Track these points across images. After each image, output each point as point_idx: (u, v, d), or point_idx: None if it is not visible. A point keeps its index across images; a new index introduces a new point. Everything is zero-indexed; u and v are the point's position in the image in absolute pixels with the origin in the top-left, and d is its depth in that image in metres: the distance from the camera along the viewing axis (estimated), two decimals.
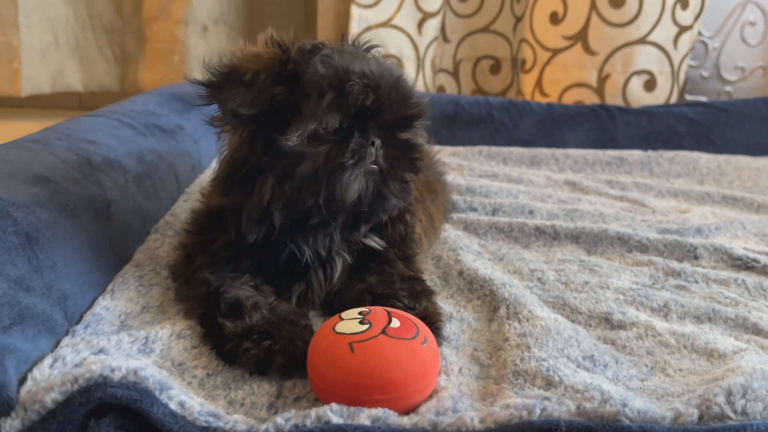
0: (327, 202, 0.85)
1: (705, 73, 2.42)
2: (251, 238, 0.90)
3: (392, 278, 0.93)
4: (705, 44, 2.37)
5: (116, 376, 0.64)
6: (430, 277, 1.08)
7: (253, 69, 0.85)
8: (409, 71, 2.25)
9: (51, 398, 0.62)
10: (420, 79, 2.30)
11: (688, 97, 2.42)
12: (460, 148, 1.93)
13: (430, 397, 0.73)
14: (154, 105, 1.50)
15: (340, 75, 0.84)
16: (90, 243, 0.91)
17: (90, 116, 1.29)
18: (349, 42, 0.96)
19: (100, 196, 1.00)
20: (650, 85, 2.21)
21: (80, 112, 2.52)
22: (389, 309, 0.78)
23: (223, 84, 0.86)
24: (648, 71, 2.19)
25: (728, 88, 2.42)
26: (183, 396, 0.66)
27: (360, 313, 0.76)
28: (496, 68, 2.49)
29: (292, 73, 0.85)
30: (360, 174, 0.85)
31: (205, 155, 1.55)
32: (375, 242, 0.96)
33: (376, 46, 0.99)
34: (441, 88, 2.49)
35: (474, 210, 1.42)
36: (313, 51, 0.88)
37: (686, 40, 2.18)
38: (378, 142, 0.87)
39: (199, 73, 2.26)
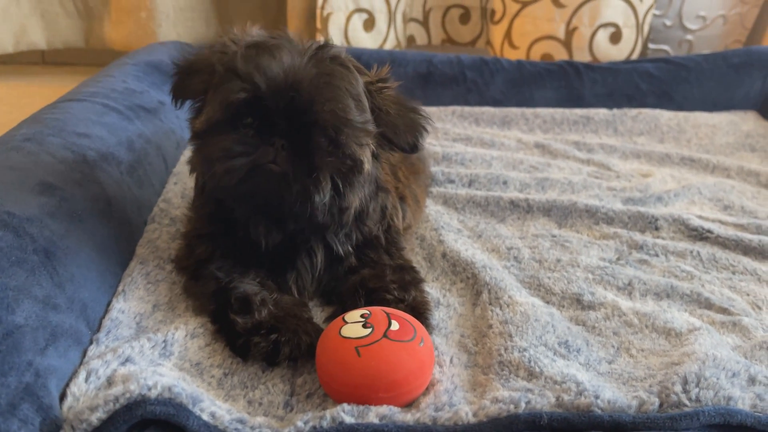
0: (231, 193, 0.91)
1: (668, 22, 2.47)
2: (207, 210, 0.99)
3: (384, 271, 1.00)
4: None
5: (153, 394, 0.71)
6: (416, 258, 1.17)
7: (194, 64, 0.95)
8: (381, 26, 2.24)
9: (96, 417, 0.69)
10: (392, 33, 2.30)
11: (651, 46, 2.48)
12: (433, 109, 1.97)
13: (427, 390, 0.83)
14: (133, 80, 1.51)
15: (245, 72, 0.86)
16: (99, 247, 0.96)
17: (75, 101, 1.29)
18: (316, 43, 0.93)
19: (101, 195, 1.04)
20: (616, 37, 2.26)
21: (43, 68, 2.46)
22: (388, 310, 0.86)
23: (174, 76, 0.98)
24: (614, 24, 2.24)
25: (689, 37, 2.49)
26: (213, 407, 0.74)
27: (362, 316, 0.84)
28: (465, 17, 2.50)
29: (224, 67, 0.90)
30: (243, 167, 0.86)
31: (187, 130, 1.57)
32: (339, 247, 1.00)
33: (335, 47, 0.94)
34: (411, 38, 2.49)
35: (451, 182, 1.50)
36: (251, 47, 0.90)
37: None
38: (281, 143, 0.86)
39: (166, 31, 2.20)
